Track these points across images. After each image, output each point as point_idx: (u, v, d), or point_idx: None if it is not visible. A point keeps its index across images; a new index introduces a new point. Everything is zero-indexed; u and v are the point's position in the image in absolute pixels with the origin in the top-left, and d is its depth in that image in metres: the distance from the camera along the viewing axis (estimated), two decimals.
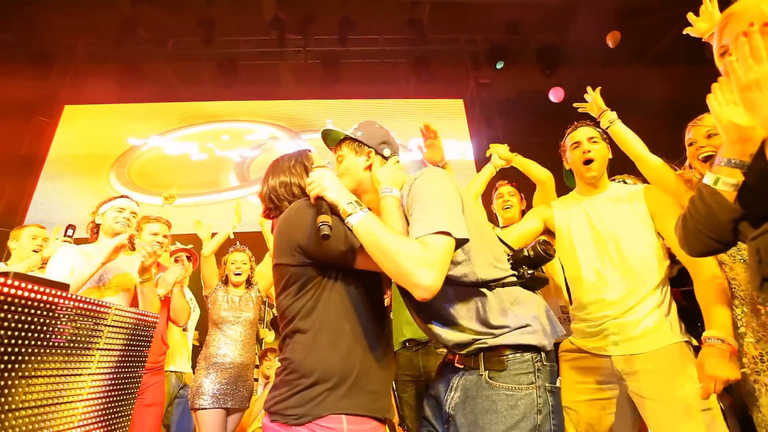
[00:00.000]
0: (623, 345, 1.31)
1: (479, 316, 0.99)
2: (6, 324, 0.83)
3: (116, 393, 1.22)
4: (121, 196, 2.04)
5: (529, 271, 1.04)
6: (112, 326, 1.18)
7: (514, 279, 1.03)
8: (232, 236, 2.67)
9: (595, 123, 1.60)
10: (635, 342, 1.29)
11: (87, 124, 5.99)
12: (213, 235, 2.58)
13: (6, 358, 0.84)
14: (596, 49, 5.79)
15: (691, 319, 1.45)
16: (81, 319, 1.09)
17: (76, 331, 1.07)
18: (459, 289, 1.00)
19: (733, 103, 0.80)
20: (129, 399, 1.29)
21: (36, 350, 0.93)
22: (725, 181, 0.82)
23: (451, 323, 1.00)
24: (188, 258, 2.76)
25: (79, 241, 2.14)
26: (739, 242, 0.88)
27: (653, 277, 1.33)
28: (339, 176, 1.16)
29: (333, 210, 0.99)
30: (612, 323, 1.34)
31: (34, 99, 5.78)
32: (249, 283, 2.56)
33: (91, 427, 1.11)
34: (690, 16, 1.45)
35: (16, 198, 5.41)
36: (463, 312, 1.00)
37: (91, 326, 1.10)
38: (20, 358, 0.87)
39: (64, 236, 2.21)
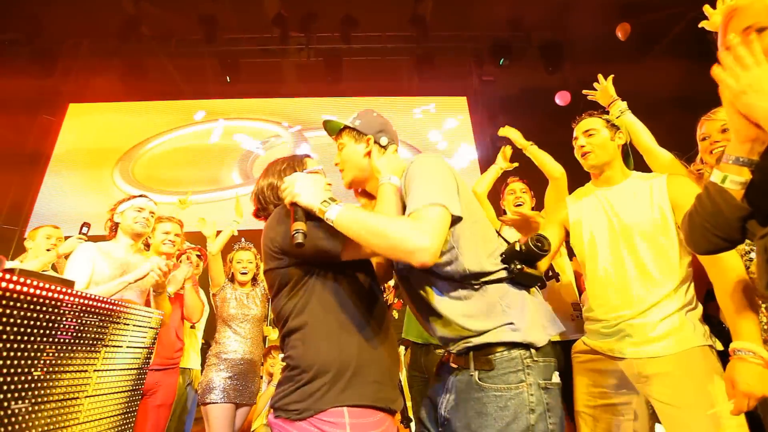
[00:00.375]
0: (640, 347, 1.22)
1: (466, 312, 0.98)
2: (11, 320, 0.84)
3: (122, 389, 1.23)
4: (140, 195, 2.04)
5: (519, 266, 0.98)
6: (118, 323, 1.18)
7: (504, 274, 0.99)
8: (236, 233, 2.68)
9: (602, 112, 1.53)
10: (653, 344, 1.20)
11: (91, 122, 6.02)
12: (218, 233, 2.60)
13: (12, 354, 0.85)
14: (600, 46, 5.75)
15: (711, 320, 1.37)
16: (86, 315, 1.10)
17: (82, 328, 1.08)
18: (448, 283, 1.00)
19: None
20: (134, 395, 1.29)
21: (41, 346, 0.94)
22: (733, 179, 0.81)
23: (441, 319, 1.01)
24: (198, 256, 2.79)
25: (93, 238, 2.18)
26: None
27: (673, 274, 1.24)
28: (340, 164, 1.19)
29: (309, 214, 0.99)
30: (628, 324, 1.25)
31: (39, 97, 5.81)
32: (255, 280, 2.61)
33: (97, 423, 1.12)
34: (707, 9, 1.40)
35: (21, 196, 5.45)
36: (452, 307, 0.99)
37: (97, 323, 1.11)
38: (25, 354, 0.87)
39: (79, 233, 2.23)
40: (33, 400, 0.93)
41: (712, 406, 1.09)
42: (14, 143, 5.51)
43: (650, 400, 1.21)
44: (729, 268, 1.13)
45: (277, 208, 1.11)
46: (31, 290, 0.88)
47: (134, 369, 1.28)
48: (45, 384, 0.96)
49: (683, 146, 1.56)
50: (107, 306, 1.17)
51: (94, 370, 1.10)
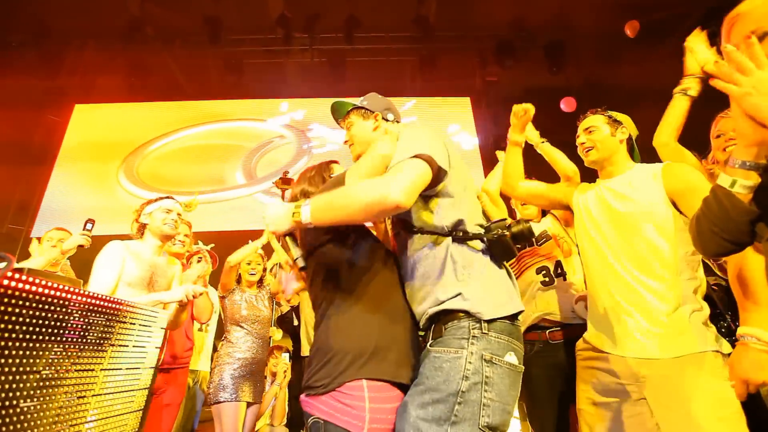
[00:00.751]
0: (640, 346, 1.20)
1: (424, 271, 1.03)
2: (21, 319, 0.84)
3: (129, 388, 1.24)
4: (167, 197, 2.05)
5: (502, 232, 1.00)
6: (124, 322, 1.19)
7: (478, 243, 1.02)
8: (260, 250, 2.71)
9: (605, 110, 1.55)
10: (654, 344, 1.18)
11: (96, 122, 6.05)
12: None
13: (21, 352, 0.85)
14: (604, 46, 5.73)
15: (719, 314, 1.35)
16: (93, 315, 1.10)
17: (89, 327, 1.08)
18: (418, 238, 1.04)
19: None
20: (143, 394, 1.30)
21: (49, 345, 0.95)
22: (742, 184, 0.81)
23: (410, 288, 1.07)
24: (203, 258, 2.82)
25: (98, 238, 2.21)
26: None
27: (672, 264, 1.21)
28: (350, 140, 1.30)
29: (293, 234, 1.09)
30: (626, 320, 1.23)
31: (45, 97, 5.86)
32: (261, 282, 2.69)
33: (104, 422, 1.13)
34: (688, 42, 1.49)
35: (27, 195, 5.49)
36: (417, 268, 1.05)
37: (104, 322, 1.12)
38: (34, 352, 0.88)
39: (83, 230, 2.23)
40: (41, 399, 0.93)
41: (710, 414, 1.06)
42: (21, 143, 5.55)
43: (648, 402, 1.19)
44: (741, 254, 1.07)
45: None
46: (40, 289, 0.89)
47: (141, 368, 1.29)
48: (53, 383, 0.97)
49: (689, 147, 1.56)
50: (114, 305, 1.18)
51: (101, 369, 1.11)
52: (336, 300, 1.06)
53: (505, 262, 1.06)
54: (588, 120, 1.53)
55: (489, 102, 6.27)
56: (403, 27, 5.69)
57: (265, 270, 2.69)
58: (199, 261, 2.66)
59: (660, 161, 1.44)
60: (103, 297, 1.13)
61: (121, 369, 1.19)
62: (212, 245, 2.89)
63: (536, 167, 2.05)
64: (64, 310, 0.98)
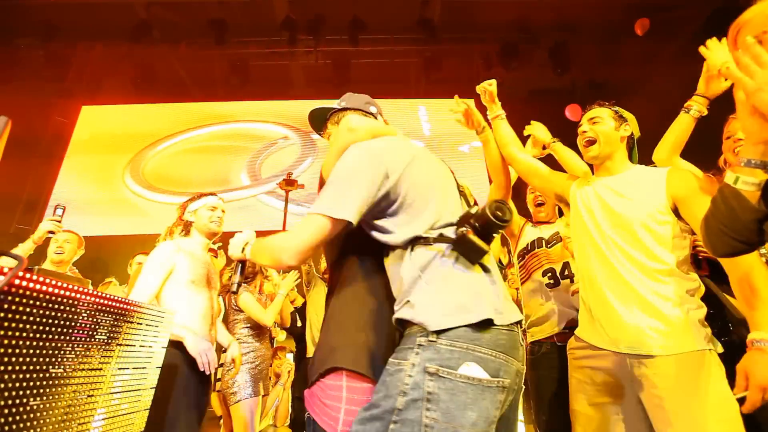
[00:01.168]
0: (638, 342, 1.17)
1: (396, 285, 0.98)
2: (31, 318, 0.86)
3: (136, 388, 1.25)
4: (210, 194, 2.04)
5: (463, 230, 0.90)
6: (131, 322, 1.20)
7: (440, 246, 0.93)
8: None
9: (612, 104, 1.50)
10: (651, 341, 1.16)
11: (103, 124, 6.11)
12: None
13: (31, 351, 0.87)
14: (609, 47, 5.72)
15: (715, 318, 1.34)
16: (101, 314, 1.12)
17: (97, 327, 1.10)
18: (390, 253, 1.00)
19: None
20: (148, 394, 1.31)
21: (59, 344, 0.96)
22: (745, 180, 0.81)
23: (392, 293, 1.03)
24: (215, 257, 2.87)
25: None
26: None
27: (671, 266, 1.20)
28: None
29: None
30: (623, 316, 1.21)
31: (53, 99, 5.92)
32: (254, 278, 2.82)
33: (112, 420, 1.14)
34: (703, 51, 1.43)
35: (35, 196, 5.55)
36: (391, 280, 1.00)
37: (111, 321, 1.13)
38: (44, 351, 0.89)
39: (53, 215, 2.18)
40: (50, 397, 0.95)
41: (705, 415, 1.05)
42: (29, 145, 5.61)
43: (642, 400, 1.17)
44: (744, 257, 1.06)
45: None
46: (50, 289, 0.90)
47: (148, 368, 1.30)
48: (61, 381, 0.98)
49: (693, 150, 1.55)
50: (121, 305, 1.20)
51: (109, 369, 1.12)
52: (333, 303, 1.08)
53: (480, 262, 0.93)
54: (594, 111, 1.47)
55: None
56: (407, 29, 5.71)
57: (260, 272, 2.77)
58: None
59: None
60: (111, 297, 1.14)
61: (128, 368, 1.20)
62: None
63: (557, 167, 2.03)
64: (73, 309, 0.99)
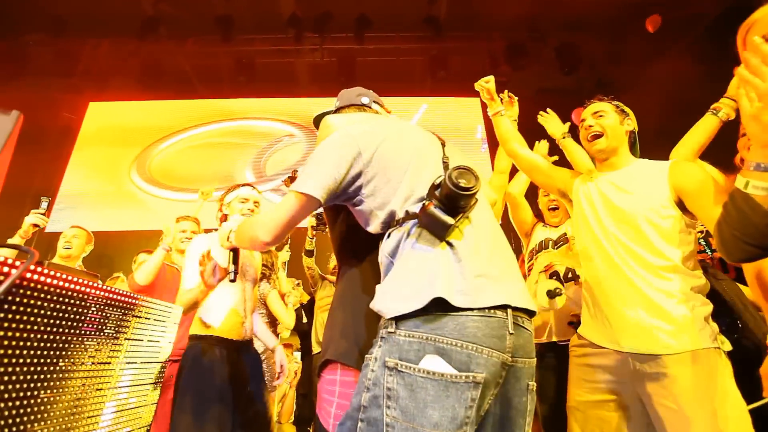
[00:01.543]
0: (641, 341, 1.15)
1: (381, 277, 0.91)
2: (42, 312, 0.86)
3: (143, 382, 1.26)
4: (245, 185, 2.00)
5: (426, 202, 0.83)
6: (139, 317, 1.21)
7: (408, 224, 0.87)
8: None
9: (611, 99, 1.48)
10: (655, 340, 1.13)
11: (110, 120, 6.15)
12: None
13: (43, 345, 0.87)
14: (617, 46, 5.67)
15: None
16: (110, 309, 1.12)
17: (105, 321, 1.10)
18: (380, 243, 0.94)
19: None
20: (155, 389, 1.32)
21: (68, 338, 0.97)
22: (755, 185, 0.80)
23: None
24: None
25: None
26: None
27: (676, 261, 1.18)
28: None
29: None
30: (627, 314, 1.18)
31: (61, 95, 5.96)
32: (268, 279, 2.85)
33: (120, 414, 1.15)
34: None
35: (42, 192, 5.58)
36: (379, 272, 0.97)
37: (120, 316, 1.14)
38: (54, 345, 0.90)
39: (39, 209, 2.15)
40: (59, 390, 0.95)
41: (713, 414, 1.03)
42: (36, 141, 5.65)
43: (644, 399, 1.15)
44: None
45: None
46: (60, 283, 0.90)
47: (155, 362, 1.31)
48: (71, 375, 0.99)
49: (709, 149, 1.52)
50: (129, 300, 1.20)
51: (118, 363, 1.13)
52: (335, 298, 1.10)
53: (446, 238, 0.83)
54: (596, 105, 1.45)
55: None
56: (413, 27, 5.69)
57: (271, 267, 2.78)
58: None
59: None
60: (119, 291, 1.15)
61: (136, 363, 1.21)
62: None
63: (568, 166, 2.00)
64: (82, 303, 1.00)
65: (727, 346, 1.16)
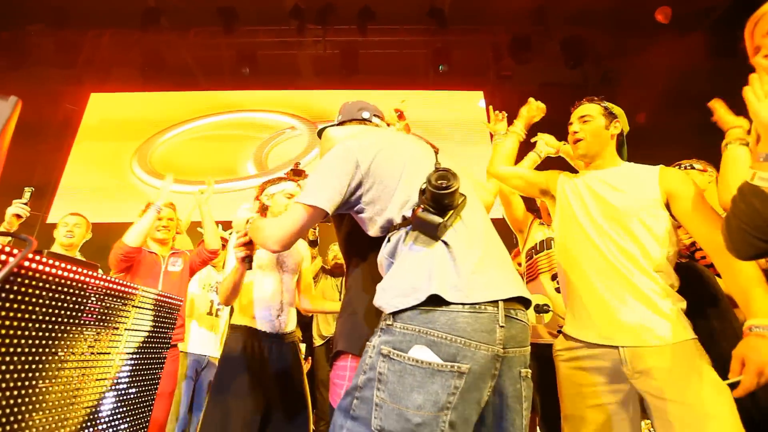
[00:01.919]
0: (633, 335, 1.16)
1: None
2: (41, 301, 0.86)
3: (143, 373, 1.25)
4: (288, 179, 1.98)
5: (417, 207, 0.89)
6: (139, 307, 1.21)
7: (403, 219, 0.95)
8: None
9: (602, 99, 1.48)
10: (648, 332, 1.15)
11: (111, 111, 6.13)
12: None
13: (41, 334, 0.87)
14: (623, 40, 5.60)
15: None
16: (109, 299, 1.12)
17: (105, 311, 1.10)
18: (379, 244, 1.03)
19: None
20: (154, 379, 1.32)
21: (68, 328, 0.96)
22: (762, 176, 0.79)
23: None
24: (223, 246, 2.84)
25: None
26: None
27: (662, 259, 1.21)
28: None
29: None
30: (613, 311, 1.20)
31: (62, 87, 5.94)
32: None
33: (120, 404, 1.15)
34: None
35: (44, 182, 5.59)
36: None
37: (120, 306, 1.13)
38: (53, 334, 0.89)
39: (22, 199, 2.08)
40: (59, 380, 0.95)
41: (707, 398, 1.06)
42: (37, 132, 5.65)
43: (642, 394, 1.16)
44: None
45: None
46: (59, 272, 0.90)
47: (154, 353, 1.31)
48: (70, 365, 0.98)
49: (713, 148, 1.50)
50: (128, 290, 1.20)
51: (117, 353, 1.12)
52: (347, 295, 1.19)
53: (442, 238, 0.89)
54: (584, 108, 1.47)
55: (503, 97, 6.18)
56: (417, 19, 5.63)
57: None
58: (223, 248, 2.68)
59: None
60: (119, 281, 1.14)
61: (136, 353, 1.20)
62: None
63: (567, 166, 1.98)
64: (81, 293, 0.99)
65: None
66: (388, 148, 1.05)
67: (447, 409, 0.76)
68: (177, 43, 5.82)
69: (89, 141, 5.93)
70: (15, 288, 0.81)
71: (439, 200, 0.87)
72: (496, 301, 0.85)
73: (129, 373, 1.19)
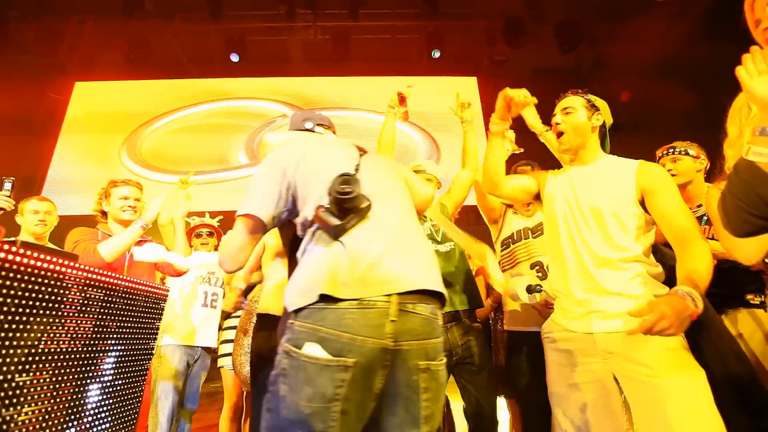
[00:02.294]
0: (609, 323, 1.23)
1: None
2: (12, 292, 0.82)
3: (129, 364, 1.22)
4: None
5: (320, 207, 0.95)
6: (124, 297, 1.17)
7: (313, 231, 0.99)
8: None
9: (585, 92, 1.49)
10: (621, 320, 1.20)
11: (97, 101, 5.99)
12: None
13: (14, 326, 0.83)
14: (616, 26, 5.54)
15: None
16: (91, 290, 1.08)
17: (87, 302, 1.06)
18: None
19: (766, 72, 0.77)
20: (142, 371, 1.29)
21: (45, 319, 0.92)
22: (756, 151, 0.77)
23: None
24: (210, 234, 2.79)
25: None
26: None
27: (631, 256, 1.26)
28: None
29: None
30: (590, 298, 1.27)
31: (45, 75, 5.78)
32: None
33: (106, 398, 1.12)
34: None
35: (30, 173, 5.48)
36: None
37: (103, 297, 1.10)
38: (28, 326, 0.86)
39: (2, 190, 1.90)
40: (39, 373, 0.92)
41: (681, 382, 1.09)
42: (22, 122, 5.50)
43: (617, 376, 1.21)
44: (696, 245, 1.16)
45: None
46: (32, 262, 0.86)
47: (140, 344, 1.28)
48: (51, 357, 0.95)
49: (711, 129, 1.48)
50: (112, 280, 1.16)
51: (102, 344, 1.09)
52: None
53: (339, 237, 0.94)
54: (567, 100, 1.49)
55: (496, 82, 6.11)
56: (409, 3, 5.53)
57: None
58: (210, 235, 2.63)
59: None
60: (101, 272, 1.11)
61: (121, 344, 1.17)
62: (220, 217, 2.86)
63: (545, 153, 1.97)
64: (59, 284, 0.95)
65: None
66: (312, 152, 1.10)
67: (336, 400, 0.82)
68: (163, 30, 5.66)
69: (76, 131, 5.80)
70: None
71: (340, 204, 0.93)
72: (390, 296, 0.88)
73: (114, 365, 1.16)
